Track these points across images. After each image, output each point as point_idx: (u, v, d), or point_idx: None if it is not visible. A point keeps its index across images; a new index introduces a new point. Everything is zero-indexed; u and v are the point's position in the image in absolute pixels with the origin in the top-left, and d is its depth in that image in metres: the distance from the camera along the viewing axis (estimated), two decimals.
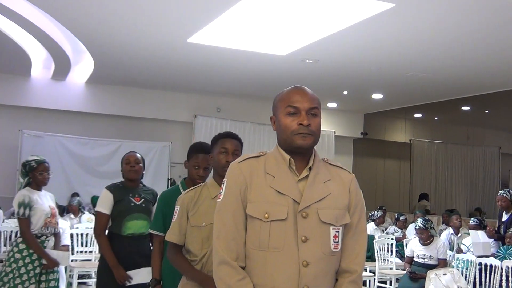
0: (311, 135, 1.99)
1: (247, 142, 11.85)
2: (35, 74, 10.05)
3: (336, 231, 1.97)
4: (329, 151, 12.49)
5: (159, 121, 11.44)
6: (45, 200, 4.71)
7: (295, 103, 2.00)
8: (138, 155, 4.29)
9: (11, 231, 7.67)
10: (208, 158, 3.33)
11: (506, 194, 6.93)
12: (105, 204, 4.06)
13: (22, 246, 4.53)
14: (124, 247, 3.90)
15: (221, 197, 2.04)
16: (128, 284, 3.86)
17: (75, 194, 9.93)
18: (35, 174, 4.63)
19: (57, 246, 4.70)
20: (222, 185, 2.07)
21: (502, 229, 6.82)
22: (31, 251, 4.50)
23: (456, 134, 14.52)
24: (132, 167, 4.16)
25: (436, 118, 13.88)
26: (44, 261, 4.50)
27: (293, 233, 1.91)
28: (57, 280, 4.67)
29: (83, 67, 9.64)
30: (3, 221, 7.86)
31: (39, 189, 4.72)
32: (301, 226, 1.91)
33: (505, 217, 6.84)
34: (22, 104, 10.24)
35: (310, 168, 2.01)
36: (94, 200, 9.10)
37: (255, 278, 1.92)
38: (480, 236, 6.60)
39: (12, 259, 4.53)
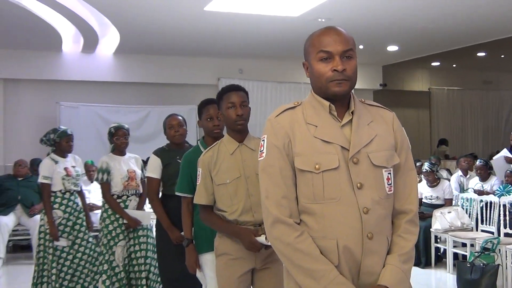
0: (347, 81, 1.84)
1: (269, 100, 11.93)
2: (66, 49, 10.09)
3: (388, 173, 1.88)
4: None
5: (184, 86, 11.38)
6: (124, 165, 4.75)
7: (327, 47, 1.85)
8: (179, 117, 4.21)
9: None
10: (217, 108, 3.25)
11: None
12: (155, 169, 4.02)
13: (107, 207, 4.69)
14: (176, 207, 3.62)
15: (263, 154, 1.92)
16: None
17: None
18: (113, 140, 4.76)
19: (140, 206, 4.79)
20: (262, 142, 1.95)
21: None
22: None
23: (473, 80, 14.34)
24: (177, 131, 4.10)
25: (454, 65, 13.67)
26: (125, 221, 4.61)
27: (347, 181, 1.82)
28: (148, 236, 4.71)
29: (109, 39, 9.64)
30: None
31: (122, 154, 4.80)
32: (354, 172, 1.82)
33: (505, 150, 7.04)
34: (56, 78, 10.30)
35: (352, 112, 1.89)
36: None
37: (314, 232, 1.83)
38: (503, 164, 6.92)
39: (101, 219, 4.72)
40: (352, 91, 1.90)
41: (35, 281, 5.09)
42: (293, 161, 1.86)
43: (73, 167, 5.20)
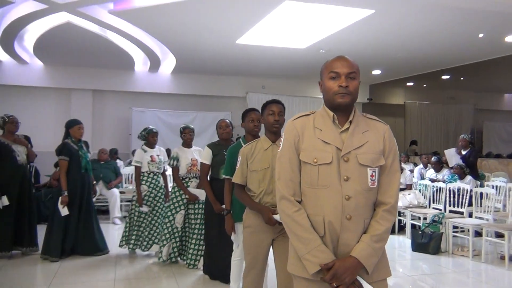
0: (349, 95, 1.82)
1: (285, 109, 12.16)
2: (137, 68, 10.18)
3: (373, 171, 1.82)
4: None
5: (221, 97, 11.36)
6: (189, 155, 4.69)
7: (336, 69, 1.83)
8: (227, 121, 4.15)
9: (130, 174, 8.02)
10: (258, 115, 3.26)
11: (466, 136, 7.09)
12: (207, 157, 3.99)
13: (175, 185, 4.67)
14: (220, 187, 3.58)
15: (281, 147, 1.90)
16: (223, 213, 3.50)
17: (168, 150, 10.17)
18: (182, 136, 4.71)
19: (199, 186, 4.64)
20: (281, 138, 1.94)
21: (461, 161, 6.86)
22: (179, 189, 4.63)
23: (438, 97, 14.00)
24: (224, 130, 4.06)
25: (424, 85, 13.43)
26: (187, 196, 4.57)
27: (336, 174, 1.78)
28: (202, 208, 4.52)
29: (168, 62, 9.72)
30: (123, 168, 8.26)
31: (188, 147, 4.74)
32: (343, 168, 1.79)
33: (463, 152, 6.89)
34: (130, 90, 10.40)
35: (350, 122, 1.85)
36: (168, 151, 9.03)
37: (308, 209, 1.82)
38: (453, 154, 6.90)
39: (171, 194, 4.74)
40: (355, 106, 1.90)
41: (125, 234, 5.12)
42: (299, 154, 1.84)
43: (158, 155, 5.15)
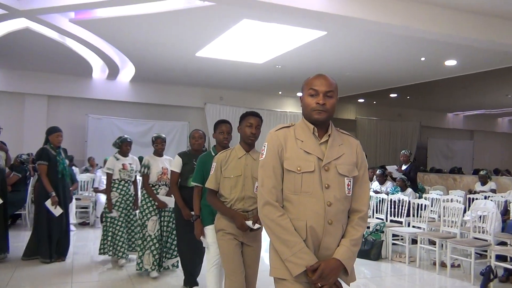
0: (325, 112, 1.90)
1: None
2: (95, 76, 10.17)
3: (349, 181, 1.91)
4: None
5: (179, 107, 11.43)
6: (160, 163, 4.70)
7: (315, 87, 1.91)
8: (200, 132, 4.19)
9: (85, 181, 7.99)
10: (228, 127, 3.35)
11: (406, 152, 7.60)
12: (177, 166, 4.03)
13: (144, 192, 4.66)
14: (189, 195, 3.65)
15: (263, 156, 1.94)
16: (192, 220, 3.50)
17: (140, 157, 9.99)
18: (154, 146, 4.76)
19: (169, 193, 4.64)
20: (263, 147, 1.97)
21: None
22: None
23: (387, 113, 14.58)
24: (196, 141, 4.11)
25: (374, 102, 13.97)
26: (156, 203, 4.57)
27: (318, 182, 1.86)
28: (171, 216, 4.62)
29: (127, 71, 9.79)
30: (79, 175, 8.13)
31: (160, 155, 4.76)
32: (324, 176, 1.86)
33: (404, 167, 7.38)
34: (87, 96, 10.33)
35: (329, 135, 1.93)
36: (140, 159, 9.40)
37: (291, 214, 1.86)
38: (393, 171, 7.39)
39: (141, 201, 4.73)
40: (331, 121, 1.98)
41: (102, 241, 5.16)
42: (282, 163, 1.90)
43: (130, 164, 5.17)
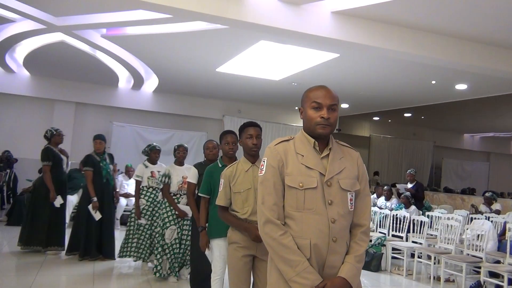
0: (329, 126, 1.85)
1: None
2: (121, 85, 10.63)
3: (351, 195, 1.86)
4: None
5: (199, 118, 11.77)
6: (180, 172, 4.74)
7: (318, 99, 1.84)
8: (214, 142, 4.16)
9: None
10: (234, 137, 3.32)
11: (412, 171, 7.92)
12: (193, 177, 3.98)
13: (165, 201, 4.72)
14: None
15: (263, 172, 1.87)
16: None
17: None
18: (176, 153, 4.82)
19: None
20: (262, 162, 1.89)
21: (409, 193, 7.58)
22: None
23: (401, 132, 14.76)
24: (211, 151, 4.11)
25: (389, 120, 14.20)
26: (177, 212, 4.62)
27: (321, 198, 1.80)
28: (189, 224, 4.60)
29: (151, 82, 10.27)
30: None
31: (181, 165, 4.82)
32: (327, 192, 1.80)
33: (409, 185, 7.74)
34: (112, 105, 10.78)
35: (330, 149, 1.88)
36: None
37: (294, 232, 1.80)
38: (403, 188, 7.64)
39: (161, 209, 4.80)
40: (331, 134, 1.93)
41: (123, 245, 5.27)
42: (283, 178, 1.83)
43: (158, 171, 5.22)
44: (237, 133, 3.28)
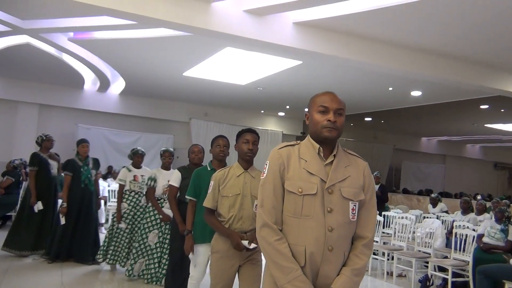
0: (336, 130, 1.82)
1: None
2: (87, 87, 10.62)
3: (354, 205, 1.81)
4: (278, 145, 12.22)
5: (166, 121, 11.83)
6: (166, 177, 4.62)
7: (326, 103, 1.83)
8: (200, 146, 4.12)
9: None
10: (225, 141, 3.28)
11: (377, 174, 8.32)
12: (176, 180, 3.94)
13: (149, 204, 4.68)
14: (186, 210, 3.44)
15: (265, 175, 1.84)
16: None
17: (110, 167, 10.44)
18: (162, 159, 4.78)
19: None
20: (265, 165, 1.87)
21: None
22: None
23: (363, 135, 15.19)
24: (196, 155, 4.05)
25: (351, 124, 14.44)
26: (161, 216, 4.57)
27: (320, 205, 1.76)
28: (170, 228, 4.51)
29: (118, 85, 10.30)
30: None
31: (167, 169, 4.75)
32: (327, 199, 1.77)
33: (376, 187, 8.17)
34: (77, 107, 10.74)
35: (334, 156, 1.84)
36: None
37: (290, 238, 1.77)
38: None
39: (145, 213, 4.77)
40: (338, 142, 1.90)
41: (103, 248, 5.23)
42: (284, 182, 1.81)
43: (142, 176, 5.22)
44: (228, 139, 3.35)
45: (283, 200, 1.81)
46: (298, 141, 1.91)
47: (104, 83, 10.10)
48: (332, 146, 1.86)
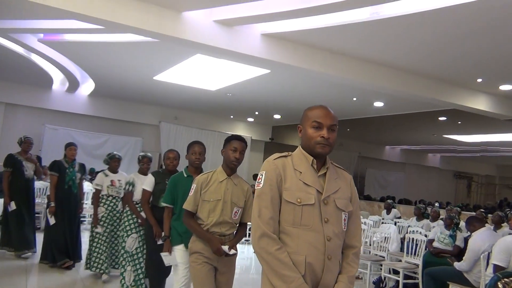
0: (329, 146, 1.84)
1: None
2: (55, 87, 10.57)
3: (345, 215, 1.87)
4: (246, 151, 12.11)
5: (135, 123, 11.83)
6: (144, 181, 4.44)
7: (320, 119, 1.84)
8: (175, 152, 4.04)
9: (40, 188, 8.11)
10: (201, 147, 3.24)
11: None
12: (149, 185, 3.91)
13: (127, 209, 4.53)
14: (159, 214, 3.51)
15: (261, 185, 1.84)
16: (159, 242, 3.55)
17: (82, 165, 10.27)
18: (140, 164, 4.71)
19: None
20: (260, 176, 1.86)
21: None
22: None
23: None
24: (171, 162, 3.95)
25: None
26: (139, 220, 4.42)
27: (318, 215, 1.79)
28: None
29: (87, 86, 10.23)
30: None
31: (145, 174, 4.63)
32: (323, 210, 1.80)
33: None
34: (45, 107, 10.65)
35: (327, 168, 1.88)
36: (92, 170, 9.34)
37: (289, 248, 1.77)
38: None
39: (123, 217, 4.58)
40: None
41: (88, 256, 5.19)
42: (281, 193, 1.82)
43: (119, 180, 5.20)
44: (204, 145, 3.33)
45: (280, 210, 1.82)
46: (289, 152, 1.93)
47: (73, 84, 10.05)
48: (324, 159, 1.90)
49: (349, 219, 1.90)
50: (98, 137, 11.19)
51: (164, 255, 3.18)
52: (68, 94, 10.91)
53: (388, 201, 8.99)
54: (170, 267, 3.47)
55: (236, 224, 2.86)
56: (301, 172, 1.83)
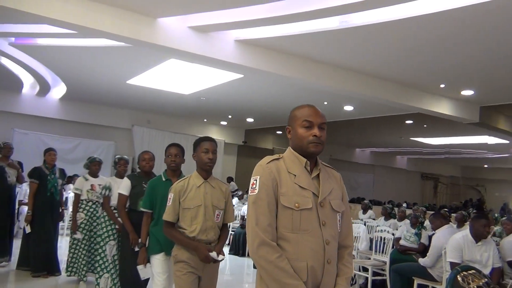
0: (321, 144, 1.80)
1: (166, 145, 12.85)
2: (25, 91, 10.36)
3: (339, 216, 1.84)
4: (219, 154, 12.10)
5: (107, 127, 11.70)
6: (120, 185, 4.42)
7: (310, 118, 1.81)
8: (151, 153, 3.92)
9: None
10: (177, 149, 3.17)
11: None
12: (125, 188, 3.79)
13: (104, 214, 4.41)
14: (138, 219, 3.39)
15: (255, 191, 1.76)
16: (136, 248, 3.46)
17: (62, 169, 10.01)
18: (116, 167, 4.58)
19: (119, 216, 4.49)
20: (254, 181, 1.78)
21: None
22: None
23: None
24: (147, 163, 3.83)
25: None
26: (117, 226, 4.30)
27: (316, 219, 1.75)
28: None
29: (58, 90, 10.08)
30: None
31: (122, 177, 4.43)
32: (321, 213, 1.76)
33: None
34: (14, 111, 10.44)
35: (319, 169, 1.84)
36: (61, 171, 9.28)
37: (289, 254, 1.72)
38: None
39: (101, 223, 4.45)
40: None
41: (68, 261, 5.12)
42: (277, 198, 1.76)
43: (99, 185, 5.05)
44: (181, 147, 3.26)
45: (276, 216, 1.77)
46: (280, 154, 1.87)
47: (44, 88, 9.90)
48: (315, 159, 1.86)
49: (342, 219, 1.87)
50: (70, 142, 11.03)
51: (139, 268, 3.11)
52: (38, 97, 10.73)
53: (365, 201, 9.22)
54: (147, 280, 3.37)
55: (219, 227, 2.80)
56: (295, 175, 1.79)
